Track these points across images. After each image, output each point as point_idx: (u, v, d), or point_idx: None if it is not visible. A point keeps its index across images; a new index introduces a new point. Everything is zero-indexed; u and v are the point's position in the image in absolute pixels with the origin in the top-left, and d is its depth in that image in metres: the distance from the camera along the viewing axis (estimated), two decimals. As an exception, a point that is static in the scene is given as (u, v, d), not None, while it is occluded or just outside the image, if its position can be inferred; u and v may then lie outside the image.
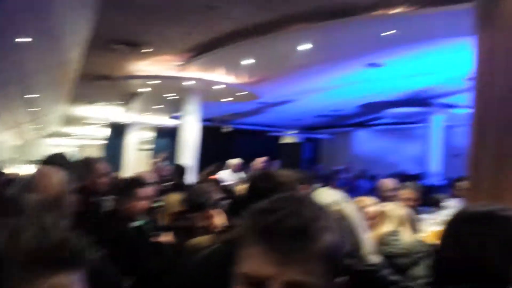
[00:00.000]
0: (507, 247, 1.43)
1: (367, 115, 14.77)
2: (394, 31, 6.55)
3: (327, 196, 3.74)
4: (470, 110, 4.25)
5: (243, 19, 6.98)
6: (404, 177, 13.93)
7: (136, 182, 3.12)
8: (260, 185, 1.95)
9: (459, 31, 4.35)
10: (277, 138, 19.16)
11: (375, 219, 3.26)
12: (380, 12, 6.29)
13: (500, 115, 3.90)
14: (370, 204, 3.48)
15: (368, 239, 2.36)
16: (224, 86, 10.42)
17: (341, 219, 2.24)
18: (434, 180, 12.53)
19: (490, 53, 3.91)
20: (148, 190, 3.14)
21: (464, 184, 5.31)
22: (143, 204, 3.01)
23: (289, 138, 19.10)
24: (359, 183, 13.08)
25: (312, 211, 0.80)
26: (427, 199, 5.60)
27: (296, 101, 12.99)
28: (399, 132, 16.36)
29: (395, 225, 3.19)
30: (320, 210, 0.82)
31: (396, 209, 3.29)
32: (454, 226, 1.61)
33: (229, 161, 8.44)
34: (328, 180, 11.95)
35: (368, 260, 2.22)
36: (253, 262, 0.75)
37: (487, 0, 3.90)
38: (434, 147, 12.98)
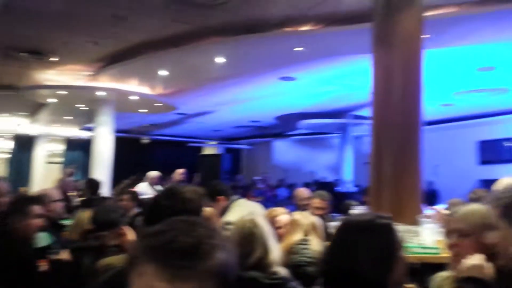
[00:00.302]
0: (383, 255, 1.48)
1: (284, 126, 15.20)
2: (302, 48, 6.83)
3: (244, 207, 3.77)
4: (372, 123, 4.54)
5: (154, 30, 6.88)
6: (320, 185, 14.56)
7: (31, 199, 2.93)
8: (164, 203, 1.90)
9: (363, 48, 4.65)
10: (197, 149, 19.03)
11: (286, 228, 3.34)
12: (290, 28, 6.54)
13: (397, 128, 4.21)
14: (281, 213, 3.54)
15: (276, 250, 2.39)
16: (137, 97, 10.16)
17: (252, 230, 2.27)
18: (347, 187, 13.20)
19: (387, 70, 4.22)
20: (43, 208, 2.95)
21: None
22: (37, 222, 2.82)
23: (210, 149, 19.07)
24: (278, 192, 13.41)
25: (204, 230, 0.83)
26: (340, 206, 5.80)
27: (214, 112, 13.03)
28: (315, 142, 17.03)
29: (303, 233, 3.27)
30: (213, 230, 0.85)
31: (304, 218, 3.35)
32: (337, 235, 1.66)
33: (148, 173, 8.20)
34: (247, 191, 12.10)
35: (276, 273, 2.26)
36: (146, 280, 0.76)
37: (383, 20, 4.19)
38: (346, 156, 13.66)
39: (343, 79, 8.84)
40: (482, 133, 12.69)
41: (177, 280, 0.75)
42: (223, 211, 3.75)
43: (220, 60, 7.72)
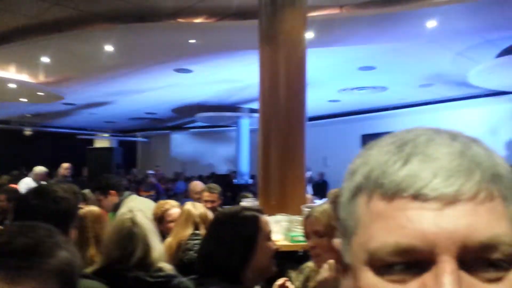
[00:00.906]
0: (242, 245, 1.59)
1: (182, 118, 15.02)
2: (195, 40, 6.78)
3: (136, 203, 3.62)
4: (259, 117, 4.67)
5: (34, 13, 6.30)
6: (217, 177, 14.67)
7: None
8: (34, 202, 1.74)
9: (255, 44, 4.76)
10: (89, 141, 17.96)
11: (176, 222, 3.24)
12: (183, 20, 6.44)
13: (283, 122, 4.38)
14: (172, 206, 3.44)
15: (159, 247, 2.33)
16: (15, 85, 9.28)
17: (132, 229, 2.18)
18: (244, 179, 13.49)
19: (272, 66, 4.36)
20: None
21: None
22: None
23: (102, 141, 18.11)
24: (176, 186, 13.22)
25: (43, 231, 0.85)
26: (236, 198, 5.90)
27: (108, 104, 12.40)
28: (213, 134, 17.10)
29: (194, 226, 3.21)
30: (52, 230, 0.87)
31: (195, 209, 3.23)
32: (208, 227, 1.80)
33: (34, 168, 7.51)
34: (139, 185, 11.74)
35: (160, 270, 2.20)
36: None
37: (268, 18, 4.31)
38: (243, 148, 13.92)
39: (239, 72, 8.96)
40: (365, 127, 13.78)
41: (16, 281, 0.76)
42: (115, 207, 3.58)
43: (109, 48, 7.35)
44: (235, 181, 13.70)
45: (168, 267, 2.35)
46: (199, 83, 9.97)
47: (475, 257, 0.41)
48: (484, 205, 0.41)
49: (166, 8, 6.23)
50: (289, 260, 2.76)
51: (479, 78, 8.51)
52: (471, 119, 11.54)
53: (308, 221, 1.96)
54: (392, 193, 0.43)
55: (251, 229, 1.62)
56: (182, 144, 17.99)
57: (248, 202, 5.15)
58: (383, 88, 10.58)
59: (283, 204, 4.21)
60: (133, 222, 2.22)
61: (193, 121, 15.46)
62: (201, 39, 6.96)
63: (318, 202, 4.57)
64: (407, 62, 8.29)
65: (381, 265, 0.42)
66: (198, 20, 6.38)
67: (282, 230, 3.71)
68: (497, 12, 5.98)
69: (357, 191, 0.46)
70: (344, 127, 14.20)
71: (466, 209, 0.41)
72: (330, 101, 11.96)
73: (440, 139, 0.44)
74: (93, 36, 6.86)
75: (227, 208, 1.96)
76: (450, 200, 0.41)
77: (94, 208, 2.67)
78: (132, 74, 9.12)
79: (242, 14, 5.92)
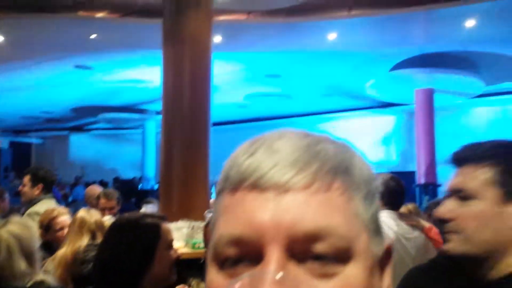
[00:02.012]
0: (140, 253, 1.54)
1: (83, 118, 14.16)
2: (96, 35, 6.42)
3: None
4: (162, 120, 4.52)
5: None
6: (121, 182, 14.02)
7: None
8: None
9: (159, 43, 4.60)
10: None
11: (70, 230, 3.00)
12: (84, 13, 6.06)
13: (187, 125, 4.28)
14: (62, 213, 3.17)
15: (38, 258, 2.13)
16: None
17: (8, 242, 1.95)
18: (151, 184, 13.05)
19: (176, 67, 4.25)
20: None
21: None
22: None
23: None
24: (76, 191, 12.36)
25: None
26: (140, 204, 5.67)
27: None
28: (117, 137, 16.35)
29: (91, 235, 2.99)
30: None
31: (90, 216, 2.93)
32: (106, 234, 1.73)
33: None
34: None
35: (42, 283, 2.01)
36: None
37: (173, 18, 4.19)
38: (149, 152, 13.49)
39: (143, 73, 8.66)
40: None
41: None
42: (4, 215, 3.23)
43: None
44: (140, 186, 13.22)
45: (49, 280, 2.19)
46: (101, 82, 9.46)
47: (303, 249, 0.39)
48: (318, 196, 0.41)
49: (66, 0, 5.82)
50: (190, 267, 2.71)
51: (373, 90, 9.17)
52: (367, 128, 12.41)
53: (208, 228, 1.94)
54: (236, 185, 0.43)
55: (151, 237, 1.57)
56: (82, 146, 16.92)
57: (148, 208, 4.97)
58: (288, 96, 10.95)
59: (186, 209, 4.10)
60: (11, 234, 2.00)
61: (95, 122, 14.63)
62: (103, 35, 6.61)
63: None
64: (311, 72, 8.66)
65: (221, 259, 0.41)
66: (100, 15, 6.05)
67: (183, 237, 3.62)
68: (392, 29, 6.50)
69: (218, 191, 0.46)
70: (251, 133, 14.18)
71: (297, 199, 0.41)
72: (238, 106, 12.09)
73: (291, 135, 0.45)
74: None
75: (127, 214, 1.87)
76: (283, 190, 0.41)
77: None
78: (25, 67, 8.37)
79: (146, 12, 5.73)
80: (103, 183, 11.22)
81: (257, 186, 0.41)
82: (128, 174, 15.15)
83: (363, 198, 0.44)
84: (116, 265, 1.52)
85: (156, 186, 12.81)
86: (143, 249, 1.54)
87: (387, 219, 2.78)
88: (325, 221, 0.40)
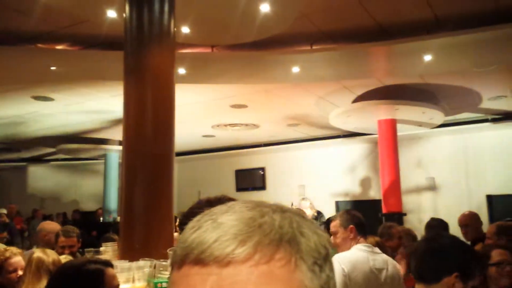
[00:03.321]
0: None
1: (41, 149, 13.67)
2: (56, 67, 6.25)
3: None
4: (122, 153, 4.37)
5: None
6: (82, 215, 13.51)
7: None
8: None
9: (121, 75, 4.50)
10: None
11: (26, 272, 2.79)
12: (44, 45, 5.91)
13: (149, 159, 4.14)
14: (15, 254, 2.98)
15: None
16: None
17: None
18: (113, 217, 12.60)
19: (138, 100, 4.14)
20: None
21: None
22: None
23: None
24: (32, 225, 11.78)
25: None
26: (102, 239, 5.52)
27: None
28: (78, 168, 15.85)
29: (47, 276, 2.78)
30: None
31: (47, 256, 2.82)
32: (50, 280, 1.74)
33: None
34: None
35: None
36: None
37: (134, 51, 4.12)
38: (111, 183, 13.10)
39: (105, 103, 8.48)
40: (239, 162, 14.07)
41: None
42: None
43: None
44: (101, 219, 12.76)
45: None
46: (61, 112, 9.19)
47: None
48: (259, 268, 0.41)
49: (26, 33, 5.66)
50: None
51: (338, 120, 9.31)
52: (333, 157, 12.55)
53: None
54: (181, 261, 0.43)
55: (92, 285, 1.57)
56: (41, 177, 16.28)
57: (108, 246, 4.75)
58: (255, 126, 10.96)
59: (148, 247, 3.93)
60: None
61: (54, 153, 14.14)
62: (64, 66, 6.44)
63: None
64: (276, 102, 8.72)
65: None
66: (59, 47, 5.91)
67: (144, 276, 3.46)
68: (353, 62, 6.65)
69: (170, 266, 0.46)
70: (219, 162, 14.31)
71: (238, 271, 0.41)
72: (205, 136, 11.99)
73: (238, 208, 0.45)
74: None
75: (72, 260, 1.85)
76: (225, 262, 0.41)
77: None
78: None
79: (108, 44, 5.64)
80: (66, 216, 10.77)
81: (200, 260, 0.42)
82: (88, 206, 14.65)
83: (310, 267, 0.43)
84: None
85: (118, 218, 12.38)
86: None
87: (362, 253, 2.81)
88: None
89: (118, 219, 11.85)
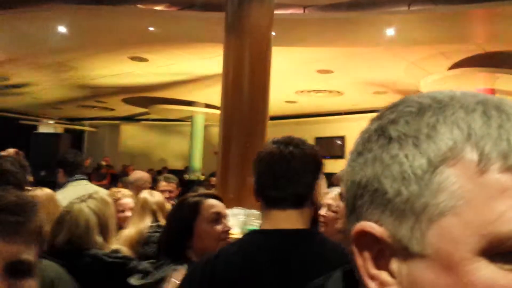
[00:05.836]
0: (176, 228, 1.76)
1: (133, 109, 14.58)
2: (154, 28, 6.56)
3: (81, 188, 3.38)
4: (221, 112, 4.58)
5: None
6: (168, 172, 14.31)
7: None
8: None
9: (217, 37, 4.64)
10: (33, 127, 16.94)
11: (133, 211, 3.02)
12: (144, 6, 6.21)
13: (245, 118, 4.32)
14: (125, 195, 3.22)
15: (114, 232, 2.27)
16: None
17: (87, 216, 2.06)
18: (196, 175, 13.25)
19: (237, 60, 4.29)
20: None
21: (215, 179, 5.74)
22: None
23: (46, 127, 17.12)
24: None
25: (19, 192, 0.84)
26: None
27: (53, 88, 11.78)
28: (166, 128, 16.71)
29: (152, 215, 3.02)
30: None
31: (151, 196, 3.02)
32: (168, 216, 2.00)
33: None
34: (90, 174, 11.17)
35: (116, 252, 2.15)
36: None
37: (235, 11, 4.23)
38: (196, 144, 13.70)
39: (195, 66, 8.78)
40: (319, 130, 13.97)
41: (11, 236, 0.74)
42: (59, 186, 3.34)
43: (62, 30, 6.96)
44: (187, 176, 13.43)
45: (124, 250, 2.34)
46: (153, 74, 9.68)
47: None
48: None
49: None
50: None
51: (430, 88, 8.84)
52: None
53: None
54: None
55: (186, 213, 1.73)
56: (132, 136, 17.42)
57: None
58: (339, 93, 10.77)
59: (241, 197, 4.16)
60: (84, 210, 2.09)
61: (145, 113, 15.02)
62: (161, 28, 6.74)
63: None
64: (364, 67, 8.47)
65: (504, 252, 0.35)
66: (159, 8, 6.18)
67: (239, 223, 3.65)
68: (452, 25, 6.23)
69: (446, 160, 0.37)
70: (299, 129, 14.30)
71: None
72: (287, 101, 12.03)
73: (504, 99, 0.40)
74: (46, 16, 6.46)
75: (190, 195, 2.01)
76: None
77: (44, 189, 2.56)
78: (82, 58, 8.70)
79: (205, 5, 5.79)
80: (160, 171, 11.50)
81: None
82: (174, 164, 15.45)
83: None
84: (165, 240, 1.75)
85: (202, 177, 12.96)
86: (179, 223, 1.73)
87: None
88: None
89: (202, 177, 12.49)
